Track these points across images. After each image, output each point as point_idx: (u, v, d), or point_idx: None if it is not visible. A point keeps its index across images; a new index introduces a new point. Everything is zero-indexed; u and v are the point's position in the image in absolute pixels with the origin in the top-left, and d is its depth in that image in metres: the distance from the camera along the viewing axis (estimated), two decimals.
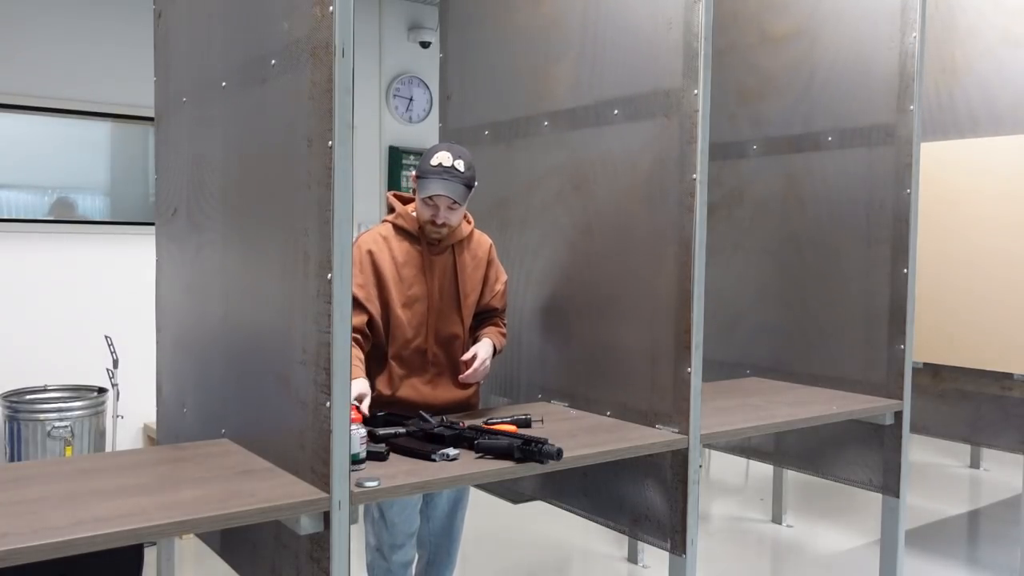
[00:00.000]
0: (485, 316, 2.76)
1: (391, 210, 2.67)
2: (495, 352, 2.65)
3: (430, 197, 2.50)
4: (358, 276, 2.47)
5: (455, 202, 2.51)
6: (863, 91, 3.28)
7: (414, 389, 2.60)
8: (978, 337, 3.78)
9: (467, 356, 2.56)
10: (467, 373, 2.54)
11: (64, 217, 4.54)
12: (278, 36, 1.93)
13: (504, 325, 2.80)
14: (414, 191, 2.59)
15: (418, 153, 5.66)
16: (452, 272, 2.64)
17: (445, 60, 3.37)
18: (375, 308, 2.52)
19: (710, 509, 4.86)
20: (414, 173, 2.56)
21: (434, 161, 2.49)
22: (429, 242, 2.61)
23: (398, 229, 2.61)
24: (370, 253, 2.54)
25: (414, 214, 2.60)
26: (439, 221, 2.53)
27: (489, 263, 2.74)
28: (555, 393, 2.88)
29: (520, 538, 4.33)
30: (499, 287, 2.76)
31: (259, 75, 2.02)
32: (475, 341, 2.68)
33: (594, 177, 2.72)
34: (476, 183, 2.58)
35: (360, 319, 2.46)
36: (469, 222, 2.73)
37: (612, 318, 2.65)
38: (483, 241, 2.76)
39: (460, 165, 2.50)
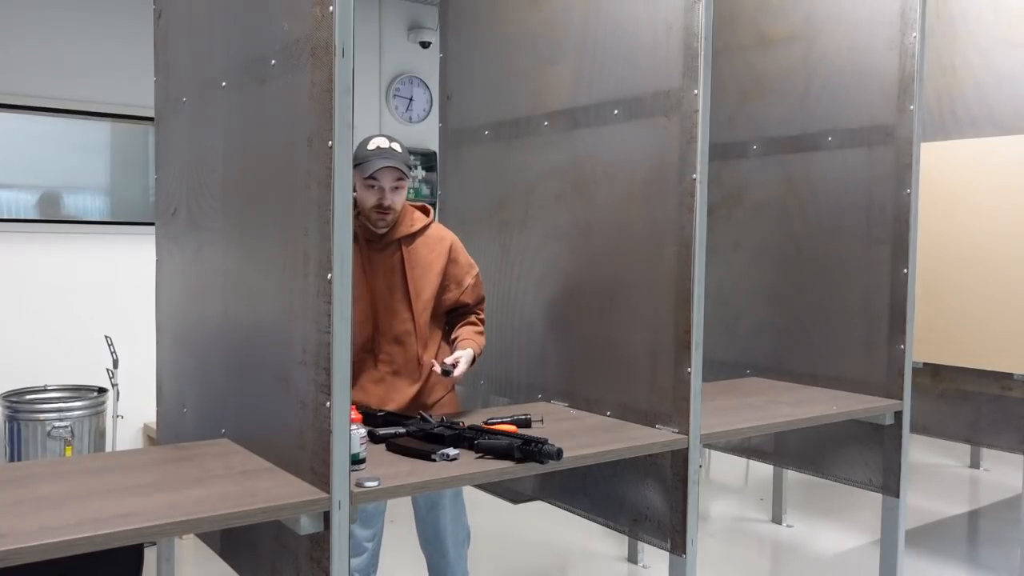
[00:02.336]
0: (459, 313, 2.73)
1: None
2: (474, 360, 2.57)
3: (373, 176, 2.47)
4: None
5: (399, 178, 2.50)
6: (863, 92, 3.28)
7: (363, 391, 2.57)
8: (978, 337, 3.78)
9: (450, 360, 2.48)
10: (447, 374, 2.45)
11: (50, 215, 4.51)
12: (278, 36, 1.93)
13: (480, 319, 2.74)
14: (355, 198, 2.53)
15: (418, 153, 5.65)
16: (400, 269, 2.60)
17: (445, 60, 3.37)
18: None
19: (710, 509, 4.86)
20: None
21: (371, 146, 2.52)
22: (368, 239, 2.58)
23: None
24: None
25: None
26: (385, 203, 2.50)
27: (452, 260, 2.67)
28: (555, 393, 2.88)
29: (520, 538, 4.33)
30: (469, 281, 2.70)
31: (259, 75, 2.02)
32: (453, 340, 2.63)
33: (594, 177, 2.72)
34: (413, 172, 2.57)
35: None
36: (427, 213, 2.70)
37: (612, 318, 2.65)
38: (443, 236, 2.69)
39: (397, 147, 2.54)
